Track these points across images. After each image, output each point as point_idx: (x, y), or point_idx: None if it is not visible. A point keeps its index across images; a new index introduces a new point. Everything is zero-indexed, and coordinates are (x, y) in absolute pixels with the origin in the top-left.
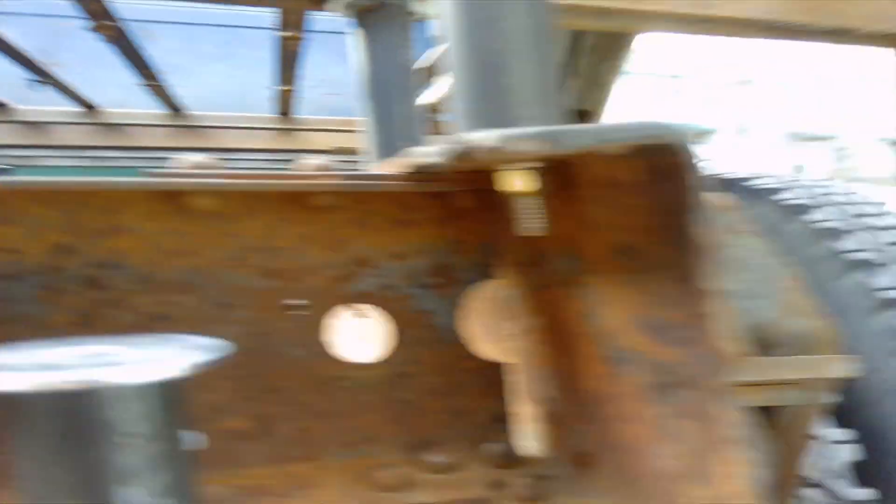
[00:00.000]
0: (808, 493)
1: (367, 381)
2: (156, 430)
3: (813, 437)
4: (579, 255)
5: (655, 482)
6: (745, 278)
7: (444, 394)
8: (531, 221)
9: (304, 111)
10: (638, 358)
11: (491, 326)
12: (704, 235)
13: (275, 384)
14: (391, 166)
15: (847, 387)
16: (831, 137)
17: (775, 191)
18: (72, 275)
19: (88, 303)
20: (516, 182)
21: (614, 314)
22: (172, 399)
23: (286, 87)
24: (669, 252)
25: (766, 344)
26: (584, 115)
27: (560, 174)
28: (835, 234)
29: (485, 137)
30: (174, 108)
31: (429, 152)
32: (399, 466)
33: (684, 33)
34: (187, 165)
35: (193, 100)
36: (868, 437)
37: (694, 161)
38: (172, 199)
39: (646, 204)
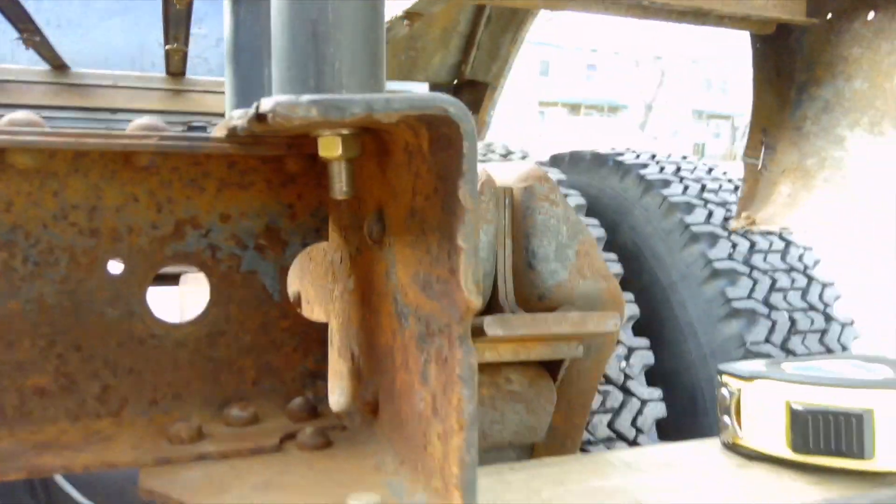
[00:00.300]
0: (615, 446)
1: (181, 339)
2: None
3: (594, 390)
4: (386, 218)
5: (416, 423)
6: (547, 243)
7: (257, 352)
8: (341, 186)
9: (203, 72)
10: (412, 312)
11: (318, 288)
12: (468, 200)
13: (83, 342)
14: (220, 129)
15: (669, 350)
16: (732, 116)
17: (639, 166)
18: None
19: None
20: (329, 147)
21: (403, 272)
22: None
23: (177, 47)
24: (440, 214)
25: (558, 303)
26: (482, 86)
27: (376, 141)
28: (684, 207)
29: (265, 102)
30: (59, 66)
31: (237, 115)
32: (196, 420)
33: (555, 9)
34: (4, 123)
35: (86, 57)
36: (681, 396)
37: (468, 132)
38: None
39: (429, 170)
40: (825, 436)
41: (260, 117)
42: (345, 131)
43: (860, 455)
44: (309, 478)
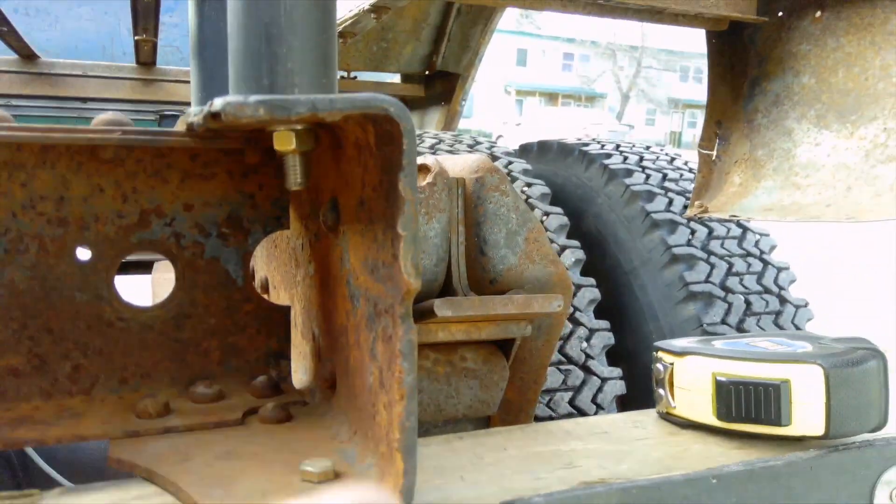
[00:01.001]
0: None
1: (148, 322)
2: None
3: (545, 367)
4: (339, 207)
5: (366, 396)
6: (497, 230)
7: (222, 333)
8: (295, 178)
9: (175, 61)
10: (363, 294)
11: (283, 274)
12: (408, 192)
13: (54, 325)
14: (182, 124)
15: (630, 332)
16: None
17: (603, 156)
18: None
19: None
20: (283, 142)
21: (355, 258)
22: None
23: (146, 37)
24: (384, 204)
25: (509, 287)
26: (454, 77)
27: (331, 135)
28: (645, 196)
29: (217, 102)
30: (29, 55)
31: (194, 112)
32: (163, 397)
33: (514, 6)
34: None
35: (55, 46)
36: (641, 375)
37: (407, 129)
38: None
39: (375, 163)
40: (746, 405)
41: (214, 115)
42: (298, 127)
43: (778, 422)
44: (269, 447)
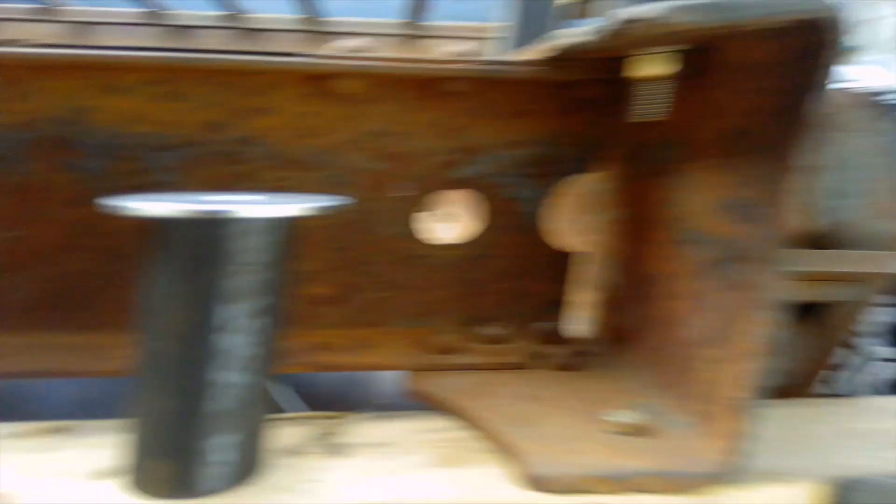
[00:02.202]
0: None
1: (445, 260)
2: (266, 259)
3: (852, 333)
4: (686, 141)
5: (678, 349)
6: (842, 177)
7: (512, 277)
8: (653, 107)
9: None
10: (702, 238)
11: (577, 219)
12: (817, 114)
13: (364, 258)
14: (531, 53)
15: None
16: None
17: None
18: (215, 149)
19: (224, 174)
20: (651, 66)
21: (696, 198)
22: (283, 237)
23: None
24: (776, 132)
25: (848, 242)
26: None
27: (691, 60)
28: None
29: (647, 10)
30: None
31: (579, 32)
32: (452, 335)
33: None
34: (340, 49)
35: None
36: None
37: (836, 40)
38: (317, 83)
39: (768, 86)
40: None
41: (626, 24)
42: (675, 48)
43: None
44: (560, 392)
